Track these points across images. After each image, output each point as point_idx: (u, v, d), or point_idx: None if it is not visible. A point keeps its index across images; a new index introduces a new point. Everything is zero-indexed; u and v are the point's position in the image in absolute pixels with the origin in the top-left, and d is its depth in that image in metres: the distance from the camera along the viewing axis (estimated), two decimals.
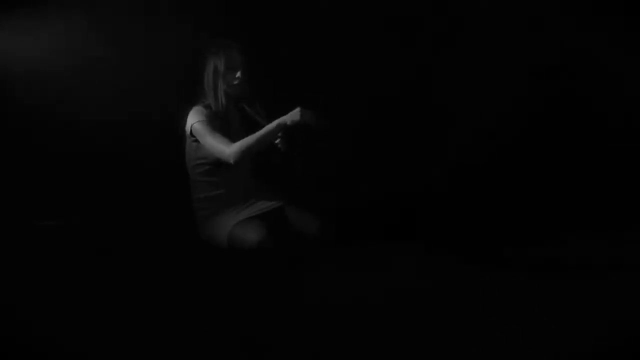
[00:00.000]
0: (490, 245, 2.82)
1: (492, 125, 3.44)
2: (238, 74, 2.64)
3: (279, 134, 2.64)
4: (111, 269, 2.43)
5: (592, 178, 3.38)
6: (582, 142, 3.44)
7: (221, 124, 2.62)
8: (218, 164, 2.60)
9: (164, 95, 3.14)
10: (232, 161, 2.54)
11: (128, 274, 2.38)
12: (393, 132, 3.45)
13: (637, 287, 2.20)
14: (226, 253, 2.56)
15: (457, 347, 1.72)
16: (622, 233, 2.93)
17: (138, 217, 3.11)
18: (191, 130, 2.60)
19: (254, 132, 2.63)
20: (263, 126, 2.64)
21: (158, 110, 3.15)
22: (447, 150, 3.47)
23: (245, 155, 2.54)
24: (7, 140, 3.15)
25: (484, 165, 3.41)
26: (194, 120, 2.60)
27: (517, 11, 3.39)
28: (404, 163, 3.43)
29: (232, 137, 2.60)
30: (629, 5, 3.31)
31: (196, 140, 2.61)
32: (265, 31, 3.24)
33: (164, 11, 3.21)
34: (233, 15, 3.26)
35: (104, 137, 3.19)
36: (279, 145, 2.71)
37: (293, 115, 2.52)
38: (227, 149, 2.53)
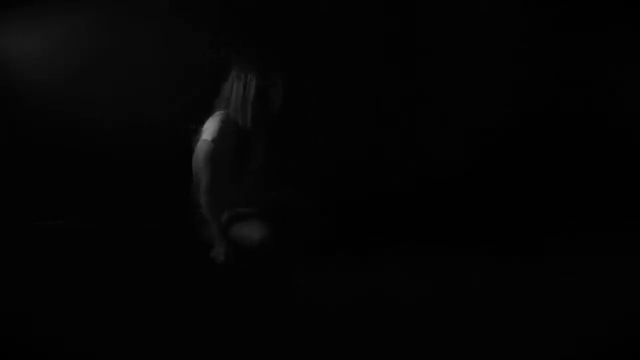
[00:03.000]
0: (488, 244, 2.82)
1: (488, 125, 3.44)
2: (277, 90, 2.60)
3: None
4: (111, 268, 2.43)
5: (592, 176, 3.39)
6: (577, 141, 3.44)
7: (241, 140, 2.57)
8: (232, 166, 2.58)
9: (165, 96, 3.14)
10: (200, 200, 2.50)
11: (127, 274, 2.37)
12: (393, 131, 3.46)
13: (637, 287, 2.20)
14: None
15: (456, 347, 1.71)
16: (622, 232, 2.94)
17: (138, 217, 3.11)
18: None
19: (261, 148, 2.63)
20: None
21: (158, 111, 3.16)
22: (444, 149, 3.48)
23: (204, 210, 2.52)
24: (6, 140, 3.15)
25: (482, 164, 3.41)
26: (209, 136, 2.51)
27: (513, 13, 3.39)
28: (402, 163, 3.43)
29: (250, 153, 2.59)
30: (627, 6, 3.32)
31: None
32: (265, 31, 3.24)
33: (165, 11, 3.21)
34: (233, 15, 3.26)
35: (104, 137, 3.19)
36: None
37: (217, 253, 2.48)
38: (205, 193, 2.48)
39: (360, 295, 2.13)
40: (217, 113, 2.57)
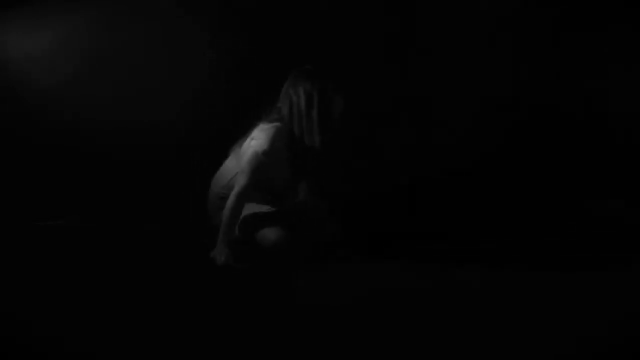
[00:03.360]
0: (487, 244, 2.82)
1: (488, 125, 3.45)
2: (340, 106, 2.57)
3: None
4: (111, 268, 2.43)
5: (592, 176, 3.39)
6: (577, 141, 3.45)
7: (297, 154, 2.56)
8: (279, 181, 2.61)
9: (165, 96, 3.14)
10: (236, 190, 2.47)
11: (127, 274, 2.38)
12: (392, 131, 3.46)
13: (637, 287, 2.20)
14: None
15: (457, 346, 1.72)
16: (622, 231, 2.94)
17: (138, 217, 3.11)
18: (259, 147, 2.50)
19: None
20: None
21: (158, 111, 3.16)
22: (444, 149, 3.48)
23: (228, 206, 2.47)
24: (6, 140, 3.16)
25: (482, 164, 3.42)
26: (261, 147, 2.48)
27: (513, 13, 3.41)
28: (402, 163, 3.44)
29: (304, 167, 2.61)
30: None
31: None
32: (265, 31, 3.25)
33: (165, 11, 3.21)
34: (233, 15, 3.26)
35: (104, 137, 3.20)
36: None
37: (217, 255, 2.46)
38: (236, 196, 2.46)
39: (360, 295, 2.13)
40: (273, 125, 2.53)
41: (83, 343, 1.73)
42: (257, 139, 2.52)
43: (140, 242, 2.81)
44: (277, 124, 2.54)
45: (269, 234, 2.52)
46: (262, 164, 2.49)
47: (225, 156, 2.67)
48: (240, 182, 2.50)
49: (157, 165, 3.16)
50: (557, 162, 3.46)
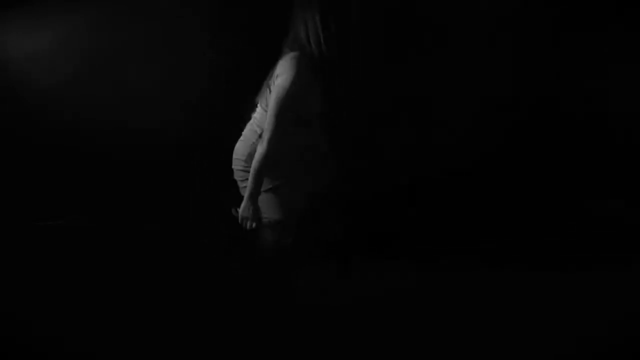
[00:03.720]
0: (487, 244, 2.82)
1: (488, 125, 3.44)
2: (357, 12, 2.43)
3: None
4: (111, 268, 2.43)
5: (591, 176, 3.39)
6: (576, 141, 3.45)
7: (325, 77, 2.35)
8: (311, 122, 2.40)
9: (165, 96, 3.14)
10: (267, 135, 2.26)
11: (127, 274, 2.38)
12: (393, 131, 3.46)
13: (637, 287, 2.20)
14: (226, 254, 2.55)
15: (458, 346, 1.72)
16: (621, 231, 2.94)
17: (138, 217, 3.11)
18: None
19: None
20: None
21: (158, 111, 3.15)
22: (444, 148, 3.48)
23: (258, 156, 2.29)
24: (6, 140, 3.16)
25: (482, 164, 3.41)
26: (287, 80, 2.27)
27: (513, 13, 3.40)
28: (402, 163, 3.43)
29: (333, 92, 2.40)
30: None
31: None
32: (265, 31, 3.24)
33: (165, 11, 3.21)
34: (233, 15, 3.26)
35: (104, 137, 3.19)
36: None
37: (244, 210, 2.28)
38: (272, 135, 2.24)
39: (360, 295, 2.13)
40: (292, 56, 2.32)
41: (83, 343, 1.73)
42: (280, 76, 2.31)
43: (140, 242, 2.81)
44: (296, 52, 2.34)
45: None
46: (292, 97, 2.27)
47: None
48: (271, 124, 2.27)
49: (157, 165, 3.16)
50: (557, 162, 3.46)
